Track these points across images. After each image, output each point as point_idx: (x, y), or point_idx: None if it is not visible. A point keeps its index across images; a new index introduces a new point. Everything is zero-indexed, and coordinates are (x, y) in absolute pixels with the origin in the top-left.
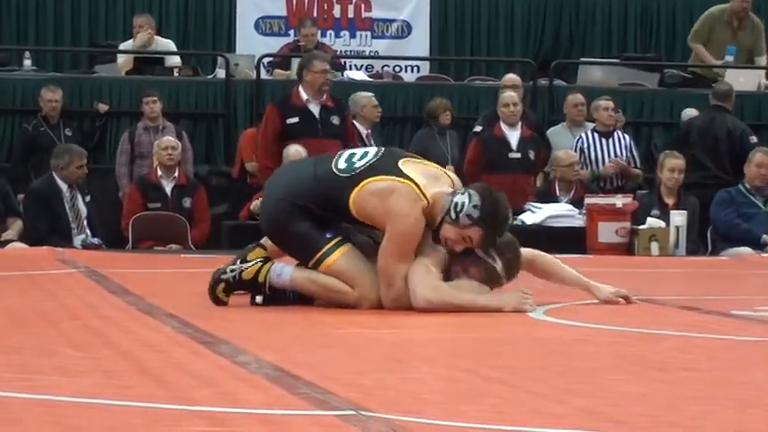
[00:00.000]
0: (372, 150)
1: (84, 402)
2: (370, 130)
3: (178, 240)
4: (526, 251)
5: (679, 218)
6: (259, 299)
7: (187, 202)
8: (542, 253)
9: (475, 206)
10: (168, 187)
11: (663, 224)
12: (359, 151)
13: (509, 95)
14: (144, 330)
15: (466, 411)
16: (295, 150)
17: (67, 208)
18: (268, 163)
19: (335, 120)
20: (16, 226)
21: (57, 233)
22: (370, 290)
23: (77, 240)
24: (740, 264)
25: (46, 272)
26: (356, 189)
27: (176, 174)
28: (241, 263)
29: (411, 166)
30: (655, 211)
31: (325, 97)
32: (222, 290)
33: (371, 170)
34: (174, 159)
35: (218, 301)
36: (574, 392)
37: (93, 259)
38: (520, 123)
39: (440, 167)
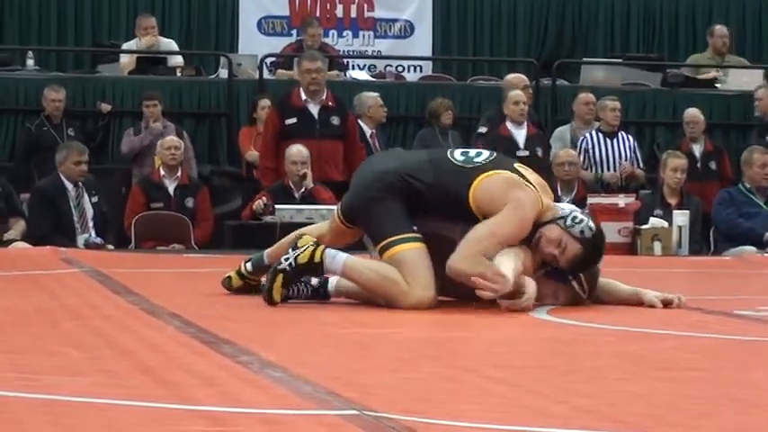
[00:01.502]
0: (486, 152)
1: (85, 402)
2: (374, 131)
3: (181, 240)
4: None
5: (681, 218)
6: (315, 281)
7: (190, 202)
8: None
9: (590, 228)
10: (171, 187)
11: (665, 224)
12: (471, 150)
13: (518, 93)
14: (146, 330)
15: (468, 411)
16: (297, 150)
17: (72, 207)
18: (268, 164)
19: (335, 120)
20: (19, 226)
21: (60, 231)
22: (423, 289)
23: (81, 239)
24: (743, 264)
25: (48, 271)
26: (483, 175)
27: (179, 173)
28: (293, 250)
29: (524, 172)
30: (657, 211)
31: (325, 97)
32: (282, 282)
33: (495, 164)
34: (176, 159)
35: (271, 301)
36: (575, 392)
37: (96, 259)
38: (526, 122)
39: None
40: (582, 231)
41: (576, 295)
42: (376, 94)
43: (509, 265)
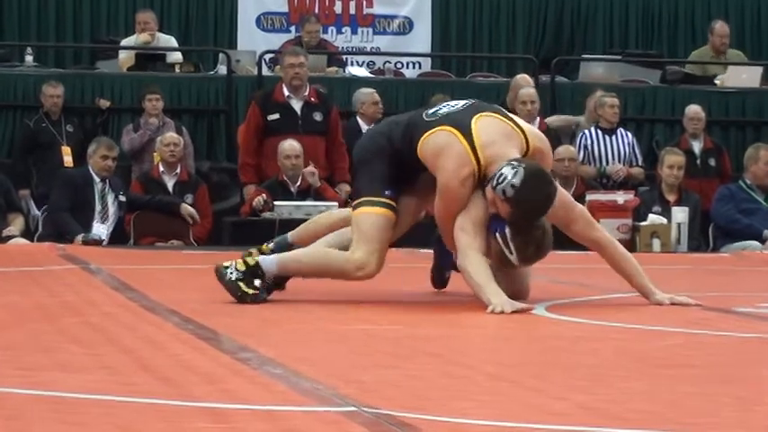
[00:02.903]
0: (462, 102)
1: (85, 398)
2: (370, 127)
3: (180, 236)
4: (602, 237)
5: (680, 214)
6: (258, 282)
7: (189, 199)
8: (616, 243)
9: (513, 185)
10: (170, 183)
11: (664, 221)
12: (453, 101)
13: (527, 93)
14: (146, 327)
15: (467, 408)
16: (289, 145)
17: (97, 198)
18: (249, 160)
19: (318, 116)
20: (18, 222)
21: (79, 217)
22: (368, 259)
23: (95, 227)
24: (741, 261)
25: (47, 268)
26: (425, 134)
27: (178, 170)
28: (226, 269)
29: (485, 123)
30: (656, 208)
31: (308, 93)
32: (244, 286)
33: (446, 119)
34: (176, 156)
35: (247, 299)
36: (575, 389)
37: (95, 255)
38: (538, 119)
39: (519, 126)
40: (503, 191)
41: (501, 254)
42: (371, 90)
43: (483, 278)
